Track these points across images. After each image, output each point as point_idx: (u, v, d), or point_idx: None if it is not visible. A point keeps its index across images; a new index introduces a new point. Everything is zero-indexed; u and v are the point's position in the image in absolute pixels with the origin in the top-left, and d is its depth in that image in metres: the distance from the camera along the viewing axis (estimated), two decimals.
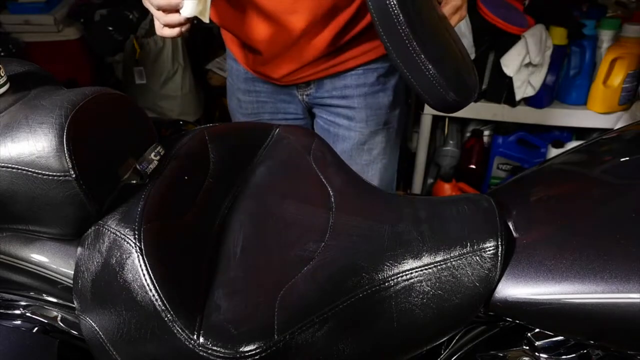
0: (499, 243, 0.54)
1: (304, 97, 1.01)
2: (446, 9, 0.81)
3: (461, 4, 0.83)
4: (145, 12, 2.06)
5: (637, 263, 0.49)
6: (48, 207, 0.54)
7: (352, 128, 1.01)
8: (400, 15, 0.67)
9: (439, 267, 0.54)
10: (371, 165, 1.05)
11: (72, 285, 0.57)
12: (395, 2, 0.66)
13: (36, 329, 0.63)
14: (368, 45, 0.95)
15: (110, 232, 0.54)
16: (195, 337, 0.50)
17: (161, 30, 0.77)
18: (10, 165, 0.52)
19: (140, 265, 0.51)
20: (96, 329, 0.54)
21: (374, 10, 0.69)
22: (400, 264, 0.55)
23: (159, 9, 0.74)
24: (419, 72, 0.70)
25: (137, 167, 0.59)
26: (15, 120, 0.54)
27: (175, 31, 0.76)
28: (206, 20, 0.74)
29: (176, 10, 0.73)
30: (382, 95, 1.00)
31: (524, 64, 1.64)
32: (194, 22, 0.76)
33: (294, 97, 1.02)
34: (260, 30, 0.90)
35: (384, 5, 0.67)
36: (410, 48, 0.68)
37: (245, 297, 0.54)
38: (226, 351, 0.49)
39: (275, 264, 0.58)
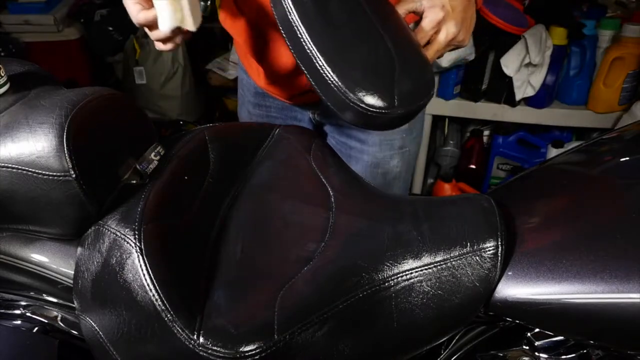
0: (499, 243, 0.54)
1: (315, 116, 0.97)
2: (424, 24, 0.69)
3: (443, 16, 0.68)
4: None
5: (637, 263, 0.49)
6: (48, 207, 0.54)
7: (364, 151, 0.96)
8: (301, 26, 0.59)
9: (439, 267, 0.54)
10: (386, 190, 0.98)
11: (72, 285, 0.57)
12: (295, 15, 0.59)
13: (36, 329, 0.63)
14: None
15: (110, 232, 0.54)
16: (195, 337, 0.50)
17: (158, 45, 0.72)
18: (10, 165, 0.52)
19: (140, 265, 0.51)
20: (96, 329, 0.54)
21: (280, 23, 0.62)
22: (400, 264, 0.55)
23: (141, 26, 0.70)
24: (321, 80, 0.59)
25: (137, 167, 0.59)
26: (15, 120, 0.54)
27: (168, 46, 0.71)
28: (192, 28, 0.67)
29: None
30: None
31: (524, 64, 1.64)
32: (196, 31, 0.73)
33: (305, 116, 0.98)
34: (274, 48, 0.85)
35: (285, 17, 0.60)
36: (312, 56, 0.58)
37: (245, 297, 0.54)
38: (226, 351, 0.49)
39: (275, 264, 0.58)
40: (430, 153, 2.03)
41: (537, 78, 1.67)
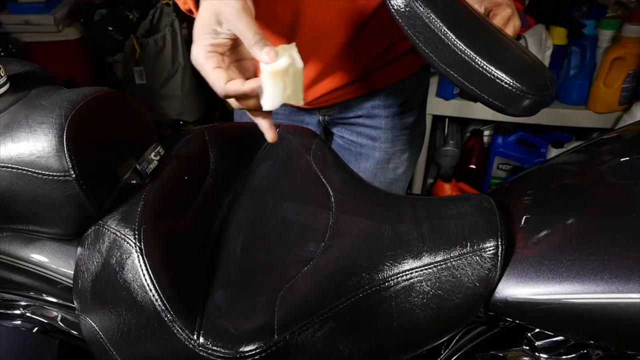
0: (499, 243, 0.54)
1: (325, 117, 0.96)
2: (496, 22, 0.71)
3: (511, 13, 0.72)
4: (145, 12, 2.06)
5: (637, 263, 0.49)
6: (48, 207, 0.54)
7: (376, 148, 0.96)
8: (441, 25, 0.58)
9: (439, 267, 0.54)
10: (395, 184, 1.00)
11: (72, 285, 0.57)
12: (433, 16, 0.57)
13: (36, 329, 0.63)
14: (402, 63, 0.89)
15: (110, 232, 0.54)
16: (195, 337, 0.50)
17: (263, 124, 0.63)
18: (10, 165, 0.52)
19: (140, 265, 0.51)
20: (96, 329, 0.54)
21: (415, 33, 0.59)
22: (400, 264, 0.55)
23: (226, 98, 0.60)
24: (482, 79, 0.59)
25: (137, 167, 0.59)
26: (15, 120, 0.54)
27: (263, 122, 0.62)
28: (301, 104, 0.61)
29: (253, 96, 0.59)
30: (408, 115, 0.95)
31: None
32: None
33: (314, 119, 0.96)
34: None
35: (421, 20, 0.58)
36: (466, 58, 0.58)
37: (245, 297, 0.54)
38: (226, 351, 0.49)
39: (275, 264, 0.58)
40: (430, 153, 2.03)
41: None
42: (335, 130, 1.00)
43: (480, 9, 0.71)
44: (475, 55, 0.58)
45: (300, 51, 0.74)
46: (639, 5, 1.76)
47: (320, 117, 0.96)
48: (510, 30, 0.71)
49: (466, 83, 0.60)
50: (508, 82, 0.58)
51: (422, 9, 0.58)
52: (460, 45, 0.58)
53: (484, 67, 0.58)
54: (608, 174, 0.62)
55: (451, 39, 0.58)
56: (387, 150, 0.96)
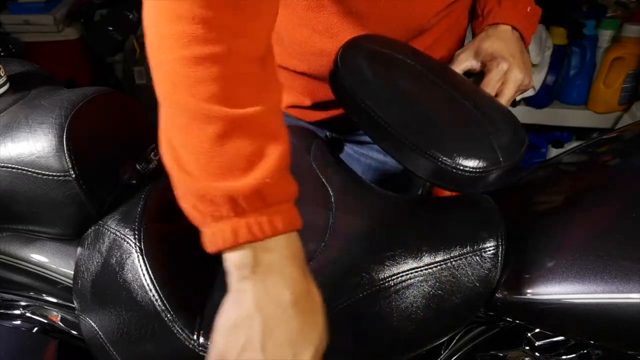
0: (499, 243, 0.54)
1: (333, 134, 0.93)
2: (490, 77, 0.68)
3: (508, 67, 0.67)
4: None
5: (637, 263, 0.49)
6: (48, 207, 0.54)
7: (387, 163, 0.94)
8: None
9: (439, 267, 0.54)
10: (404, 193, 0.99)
11: (72, 285, 0.57)
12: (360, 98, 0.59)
13: (36, 329, 0.63)
14: None
15: (110, 232, 0.54)
16: (195, 337, 0.50)
17: None
18: (10, 165, 0.52)
19: (140, 265, 0.51)
20: (96, 329, 0.54)
21: (351, 111, 0.61)
22: (400, 264, 0.55)
23: None
24: (408, 153, 0.57)
25: (137, 167, 0.59)
26: (15, 120, 0.54)
27: None
28: None
29: None
30: None
31: None
32: None
33: (321, 134, 0.92)
34: (315, 75, 0.76)
35: (358, 106, 0.59)
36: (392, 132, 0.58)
37: None
38: None
39: None
40: None
41: (537, 78, 1.67)
42: (344, 143, 0.98)
43: (476, 62, 0.69)
44: (402, 133, 0.57)
45: (311, 65, 0.71)
46: (639, 5, 1.76)
47: (328, 133, 0.95)
48: (510, 86, 0.67)
49: (403, 163, 0.59)
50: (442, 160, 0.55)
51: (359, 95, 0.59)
52: (386, 122, 0.58)
53: (413, 144, 0.57)
54: (608, 174, 0.62)
55: (380, 118, 0.58)
56: (398, 166, 0.95)
